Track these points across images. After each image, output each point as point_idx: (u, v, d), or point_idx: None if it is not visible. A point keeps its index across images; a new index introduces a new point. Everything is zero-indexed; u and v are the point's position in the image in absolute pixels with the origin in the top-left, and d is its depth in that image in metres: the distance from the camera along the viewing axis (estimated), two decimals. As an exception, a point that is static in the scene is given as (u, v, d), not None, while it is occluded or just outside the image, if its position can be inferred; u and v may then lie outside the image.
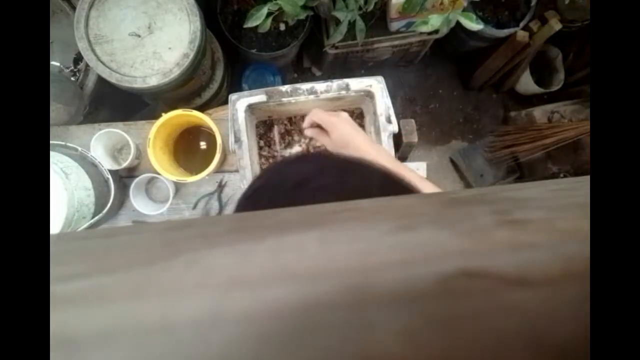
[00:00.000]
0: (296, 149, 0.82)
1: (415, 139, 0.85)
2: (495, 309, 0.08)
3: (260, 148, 0.81)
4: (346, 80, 0.72)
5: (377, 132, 0.72)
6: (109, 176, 0.77)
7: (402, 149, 0.87)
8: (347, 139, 0.46)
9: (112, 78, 0.83)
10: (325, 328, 0.08)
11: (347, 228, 0.11)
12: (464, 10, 0.92)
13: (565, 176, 1.40)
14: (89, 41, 0.82)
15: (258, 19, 0.86)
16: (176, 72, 0.83)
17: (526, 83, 1.48)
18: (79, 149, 0.76)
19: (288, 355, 0.07)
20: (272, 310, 0.08)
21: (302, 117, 0.80)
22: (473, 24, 0.90)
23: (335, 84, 0.72)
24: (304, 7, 0.88)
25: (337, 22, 0.98)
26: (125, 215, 0.86)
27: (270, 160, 0.80)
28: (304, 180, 0.23)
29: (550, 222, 0.10)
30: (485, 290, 0.08)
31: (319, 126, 0.50)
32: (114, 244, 0.12)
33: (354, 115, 0.80)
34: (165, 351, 0.07)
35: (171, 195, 0.82)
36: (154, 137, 0.75)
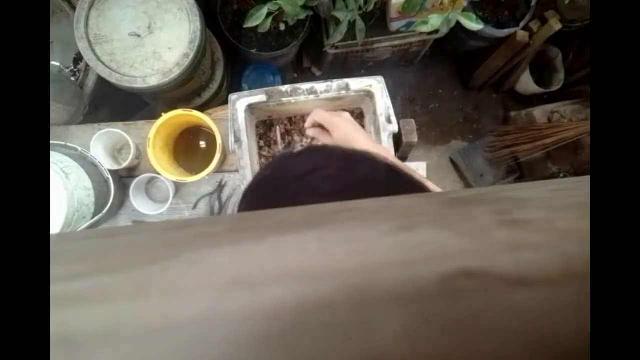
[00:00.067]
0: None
1: (415, 139, 0.85)
2: (496, 309, 0.08)
3: (260, 148, 0.81)
4: (346, 80, 0.72)
5: (377, 132, 0.72)
6: (109, 176, 0.77)
7: (402, 149, 0.87)
8: (349, 138, 0.46)
9: (112, 78, 0.83)
10: (325, 328, 0.08)
11: (347, 228, 0.11)
12: (464, 10, 0.92)
13: (565, 176, 1.40)
14: (89, 41, 0.82)
15: (258, 19, 0.86)
16: (176, 72, 0.83)
17: (526, 83, 1.48)
18: (79, 149, 0.76)
19: (288, 356, 0.07)
20: (272, 310, 0.08)
21: (302, 117, 0.80)
22: (473, 24, 0.90)
23: (335, 84, 0.72)
24: (304, 7, 0.88)
25: (337, 22, 0.98)
26: (125, 215, 0.86)
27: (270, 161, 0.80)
28: (311, 170, 0.23)
29: (550, 222, 0.10)
30: (485, 290, 0.08)
31: (320, 126, 0.50)
32: (114, 244, 0.12)
33: (354, 115, 0.80)
34: (165, 351, 0.07)
35: (171, 195, 0.82)
36: (154, 137, 0.75)
